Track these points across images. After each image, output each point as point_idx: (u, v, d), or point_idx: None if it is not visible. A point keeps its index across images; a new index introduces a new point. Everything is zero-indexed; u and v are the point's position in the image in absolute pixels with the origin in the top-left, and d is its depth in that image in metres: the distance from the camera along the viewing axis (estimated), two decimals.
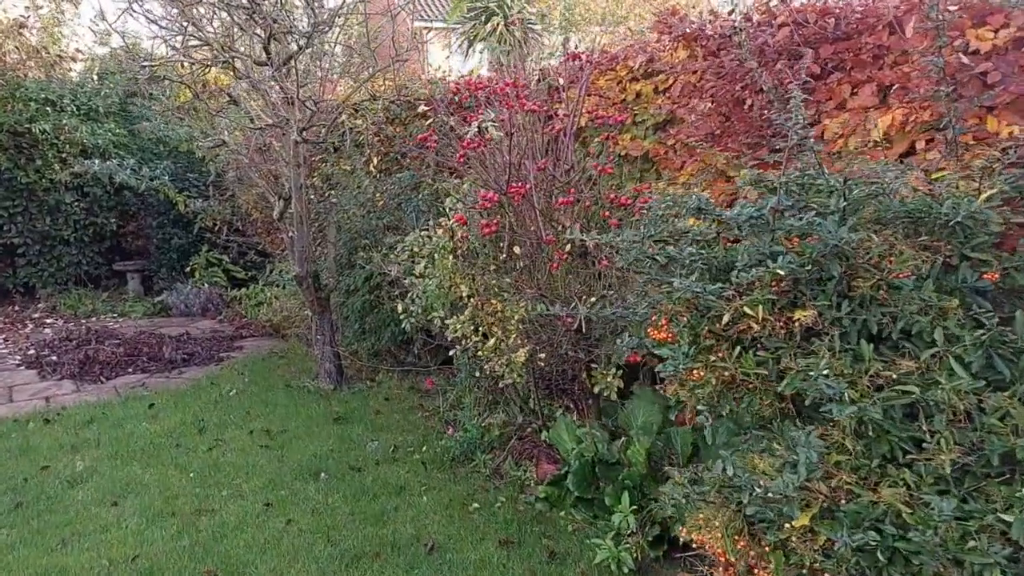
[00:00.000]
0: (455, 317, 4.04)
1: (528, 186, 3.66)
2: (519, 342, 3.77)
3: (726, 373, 1.94)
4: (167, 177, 9.29)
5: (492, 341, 3.84)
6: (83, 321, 9.05)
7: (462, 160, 3.95)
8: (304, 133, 5.07)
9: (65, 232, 10.10)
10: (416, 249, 4.38)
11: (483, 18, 14.27)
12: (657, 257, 2.12)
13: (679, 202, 2.38)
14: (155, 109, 10.34)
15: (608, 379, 3.68)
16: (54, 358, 7.18)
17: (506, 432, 4.83)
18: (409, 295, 4.38)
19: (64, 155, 9.84)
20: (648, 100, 4.55)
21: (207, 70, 5.93)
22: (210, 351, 7.48)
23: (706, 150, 4.03)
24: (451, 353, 4.75)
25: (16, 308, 9.69)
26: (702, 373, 1.98)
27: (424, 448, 4.78)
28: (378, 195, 6.19)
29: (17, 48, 8.99)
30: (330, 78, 5.94)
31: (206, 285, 9.41)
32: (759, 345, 1.95)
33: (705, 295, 1.89)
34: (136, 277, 10.42)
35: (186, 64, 5.91)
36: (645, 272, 2.23)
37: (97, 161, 9.30)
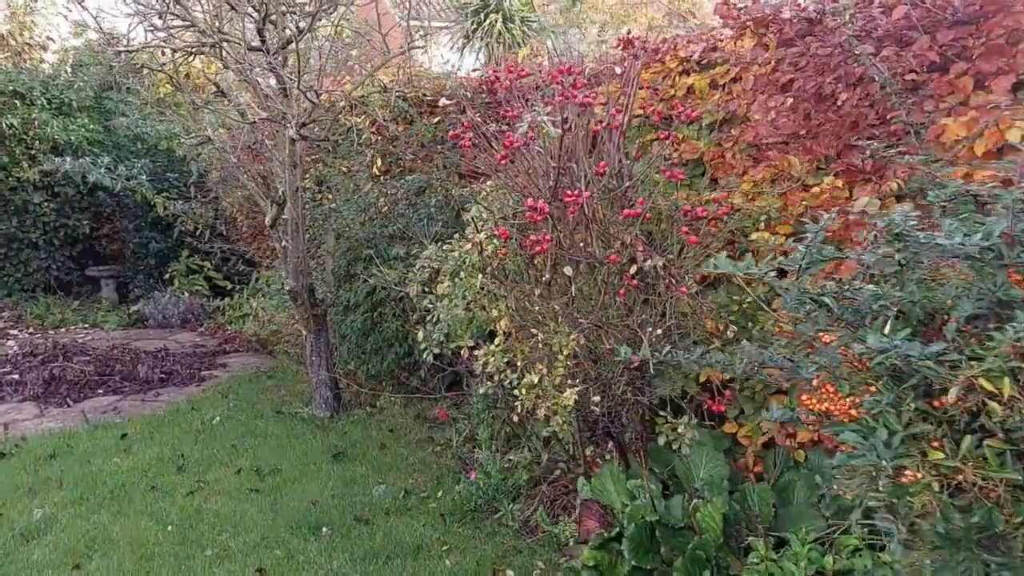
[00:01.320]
0: (486, 347, 3.41)
1: (585, 194, 3.04)
2: (567, 381, 3.15)
3: (955, 475, 1.35)
4: (145, 177, 8.58)
5: (533, 377, 3.22)
6: (51, 332, 8.33)
7: (504, 161, 3.32)
8: (303, 129, 4.42)
9: (33, 235, 9.36)
10: (436, 266, 3.74)
11: (481, 15, 13.67)
12: (825, 300, 1.52)
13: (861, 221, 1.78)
14: (133, 103, 9.63)
15: (679, 429, 3.07)
16: (16, 376, 6.47)
17: (533, 475, 4.21)
18: (429, 318, 3.74)
19: (33, 152, 9.11)
20: (703, 95, 3.95)
21: (191, 59, 5.27)
22: (191, 369, 6.80)
23: (781, 153, 3.44)
24: (484, 387, 4.12)
25: None
26: (917, 474, 1.38)
27: (440, 493, 4.14)
28: (382, 200, 5.55)
29: None
30: (329, 71, 5.29)
31: (186, 294, 8.71)
32: (1000, 433, 1.36)
33: (920, 359, 1.30)
34: (110, 284, 9.69)
35: (167, 52, 5.24)
36: (802, 319, 1.63)
37: (69, 159, 8.58)
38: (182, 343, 7.81)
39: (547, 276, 3.20)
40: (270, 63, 4.25)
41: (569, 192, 3.04)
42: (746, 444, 3.62)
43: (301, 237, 5.15)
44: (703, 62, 4.03)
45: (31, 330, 8.39)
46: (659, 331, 2.99)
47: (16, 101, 9.04)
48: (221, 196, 8.49)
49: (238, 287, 8.78)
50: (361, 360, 5.70)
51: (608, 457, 3.81)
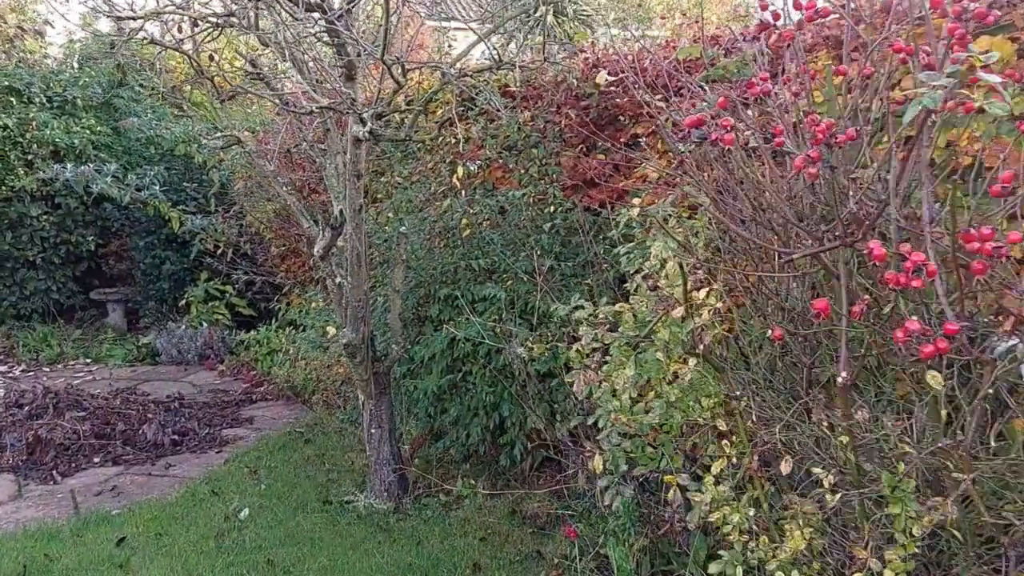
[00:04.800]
0: (711, 488, 2.05)
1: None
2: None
3: None
4: (158, 187, 7.29)
5: (798, 543, 1.86)
6: (45, 370, 7.05)
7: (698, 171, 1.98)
8: (380, 121, 3.09)
9: (30, 252, 8.09)
10: (595, 333, 2.40)
11: (531, 9, 12.36)
12: None
13: None
14: (145, 101, 8.38)
15: None
16: None
17: None
18: (596, 420, 2.39)
19: (30, 157, 7.86)
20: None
21: (216, 33, 3.95)
22: (210, 424, 5.49)
23: None
24: (609, 485, 2.77)
25: None
26: None
27: None
28: (464, 221, 4.21)
29: None
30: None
31: (205, 324, 7.40)
32: None
33: None
34: (118, 309, 8.42)
35: (186, 27, 3.94)
36: None
37: (70, 165, 7.31)
38: (199, 386, 6.50)
39: (845, 374, 1.83)
40: (330, 24, 2.92)
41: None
42: None
43: (363, 273, 3.82)
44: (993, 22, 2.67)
45: (23, 367, 7.12)
46: None
47: (11, 99, 7.81)
48: (247, 210, 7.21)
49: (265, 317, 7.47)
50: (435, 434, 4.36)
51: None
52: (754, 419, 2.05)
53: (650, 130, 4.27)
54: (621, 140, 4.35)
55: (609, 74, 2.98)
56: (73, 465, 4.80)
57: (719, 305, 2.12)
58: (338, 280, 3.97)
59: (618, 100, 4.37)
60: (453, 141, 4.36)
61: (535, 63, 3.51)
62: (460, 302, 4.01)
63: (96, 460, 4.89)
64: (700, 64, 3.84)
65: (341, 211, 3.72)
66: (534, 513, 3.97)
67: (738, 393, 2.10)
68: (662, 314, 2.17)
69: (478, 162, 4.80)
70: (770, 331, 2.15)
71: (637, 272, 2.61)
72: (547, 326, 3.77)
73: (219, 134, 4.47)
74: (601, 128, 4.47)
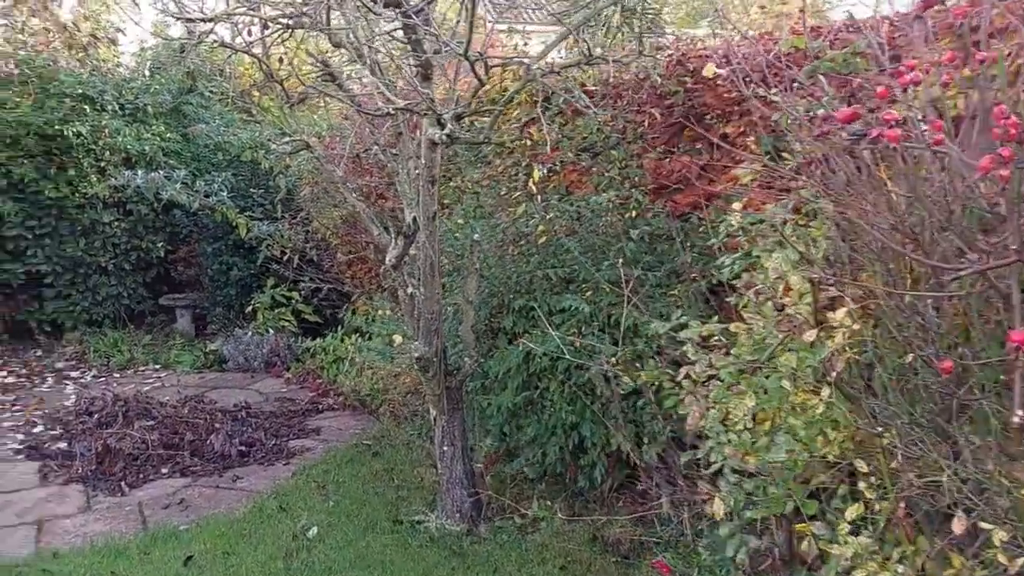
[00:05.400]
0: (855, 540, 1.78)
1: None
2: None
3: None
4: (226, 193, 7.27)
5: None
6: (115, 376, 7.08)
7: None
8: (458, 124, 2.89)
9: (102, 258, 8.15)
10: (710, 358, 2.13)
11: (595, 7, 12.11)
12: None
13: None
14: (214, 107, 8.38)
15: None
16: (64, 445, 5.16)
17: None
18: (707, 455, 2.14)
19: (103, 164, 7.91)
20: None
21: (287, 34, 3.82)
22: (277, 435, 5.38)
23: None
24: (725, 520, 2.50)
25: (38, 353, 7.77)
26: None
27: None
28: (540, 227, 3.99)
29: (47, 29, 7.08)
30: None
31: (271, 331, 7.34)
32: None
33: None
34: (186, 314, 8.44)
35: (255, 29, 3.82)
36: None
37: (141, 172, 7.36)
38: (266, 395, 6.42)
39: (1022, 413, 1.54)
40: (408, 20, 2.72)
41: None
42: None
43: (436, 283, 3.63)
44: None
45: (94, 372, 7.16)
46: None
47: (85, 106, 7.87)
48: (313, 216, 7.12)
49: (331, 324, 7.37)
50: (509, 452, 4.15)
51: None
52: (900, 458, 1.77)
53: (740, 129, 3.99)
54: (709, 140, 4.07)
55: (717, 66, 2.70)
56: (141, 476, 4.73)
57: (855, 327, 1.85)
58: (410, 290, 3.79)
59: (705, 98, 4.10)
60: (529, 143, 4.14)
61: (628, 57, 3.25)
62: (536, 314, 3.79)
63: (164, 471, 4.82)
64: (799, 57, 3.55)
65: (414, 218, 3.54)
66: (616, 540, 3.72)
67: (879, 429, 1.82)
68: (786, 336, 1.91)
69: (549, 164, 4.58)
70: (908, 357, 1.87)
71: (746, 286, 2.34)
72: (633, 341, 3.53)
73: (287, 139, 4.35)
74: (685, 128, 4.21)
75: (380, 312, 6.40)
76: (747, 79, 3.18)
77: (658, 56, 3.99)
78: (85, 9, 7.64)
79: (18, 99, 7.75)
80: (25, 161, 7.73)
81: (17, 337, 8.00)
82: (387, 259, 3.66)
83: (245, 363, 7.22)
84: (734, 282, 2.71)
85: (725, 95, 4.00)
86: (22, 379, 6.94)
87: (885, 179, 2.10)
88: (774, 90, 2.43)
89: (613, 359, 3.35)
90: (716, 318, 2.24)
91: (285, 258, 7.28)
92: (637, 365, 3.48)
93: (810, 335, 1.85)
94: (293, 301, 7.50)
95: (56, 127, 7.69)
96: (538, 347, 3.58)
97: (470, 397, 4.26)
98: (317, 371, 6.81)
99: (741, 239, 2.76)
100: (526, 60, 2.90)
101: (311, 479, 4.61)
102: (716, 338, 2.18)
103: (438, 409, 3.89)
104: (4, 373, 7.08)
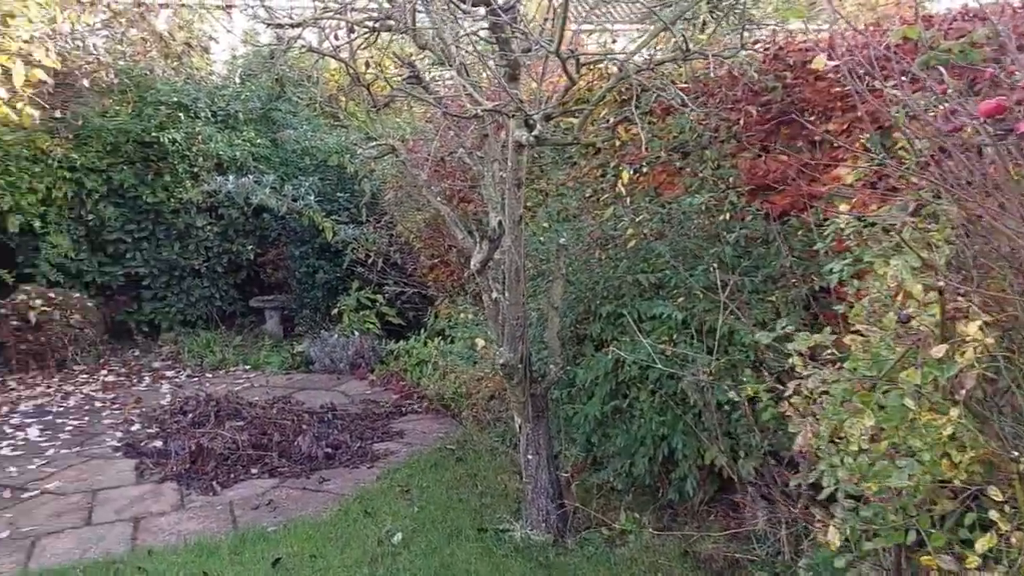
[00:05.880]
0: None
1: None
2: None
3: None
4: (313, 197, 7.39)
5: None
6: (208, 375, 7.28)
7: None
8: (546, 124, 2.80)
9: (196, 261, 8.43)
10: (823, 373, 1.98)
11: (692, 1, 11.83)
12: None
13: None
14: (301, 113, 8.54)
15: None
16: (159, 444, 5.30)
17: None
18: (821, 480, 1.98)
19: (196, 169, 8.17)
20: None
21: (373, 38, 3.81)
22: (361, 437, 5.41)
23: None
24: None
25: (136, 353, 8.07)
26: None
27: None
28: (629, 231, 3.86)
29: (144, 39, 7.35)
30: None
31: (356, 333, 7.41)
32: None
33: None
34: (275, 316, 8.62)
35: (341, 33, 3.83)
36: None
37: (232, 177, 7.56)
38: (351, 396, 6.48)
39: None
40: (496, 19, 2.65)
41: None
42: None
43: (522, 288, 3.55)
44: None
45: (188, 372, 7.38)
46: None
47: (180, 114, 8.15)
48: (397, 220, 7.17)
49: (414, 326, 7.40)
50: (595, 462, 4.04)
51: None
52: None
53: (844, 126, 3.77)
54: (809, 138, 3.87)
55: (829, 59, 2.53)
56: (232, 476, 4.82)
57: (988, 341, 1.68)
58: (494, 295, 3.73)
59: (805, 93, 3.89)
60: (618, 144, 4.02)
61: (727, 51, 3.09)
62: (624, 320, 3.67)
63: (253, 471, 4.89)
64: (909, 49, 3.31)
65: (499, 222, 3.47)
66: (709, 556, 3.56)
67: (1016, 453, 1.64)
68: (907, 350, 1.74)
69: (636, 165, 4.44)
70: None
71: (858, 294, 2.17)
72: (727, 350, 3.37)
73: (373, 144, 4.35)
74: (783, 125, 4.01)
75: (462, 315, 6.38)
76: (855, 73, 2.99)
77: (755, 50, 3.81)
78: (180, 19, 7.88)
79: (118, 107, 8.08)
80: (125, 167, 8.06)
81: (117, 337, 8.34)
82: (471, 264, 3.60)
83: (331, 364, 7.32)
84: (844, 289, 2.54)
85: (827, 90, 3.80)
86: (121, 378, 7.21)
87: (1018, 177, 1.91)
88: (889, 83, 2.24)
89: (707, 368, 3.20)
90: (828, 329, 2.08)
91: (369, 261, 7.36)
92: (732, 375, 3.33)
93: (939, 350, 1.68)
94: (377, 304, 7.56)
95: (153, 134, 8.00)
96: (628, 355, 3.45)
97: (555, 405, 4.16)
98: (400, 373, 6.83)
99: (850, 242, 2.58)
100: (619, 57, 2.79)
101: (395, 483, 4.60)
102: (829, 351, 2.02)
103: (523, 417, 3.81)
104: (105, 371, 7.38)
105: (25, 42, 5.29)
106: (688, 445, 3.54)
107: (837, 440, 2.05)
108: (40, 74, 5.50)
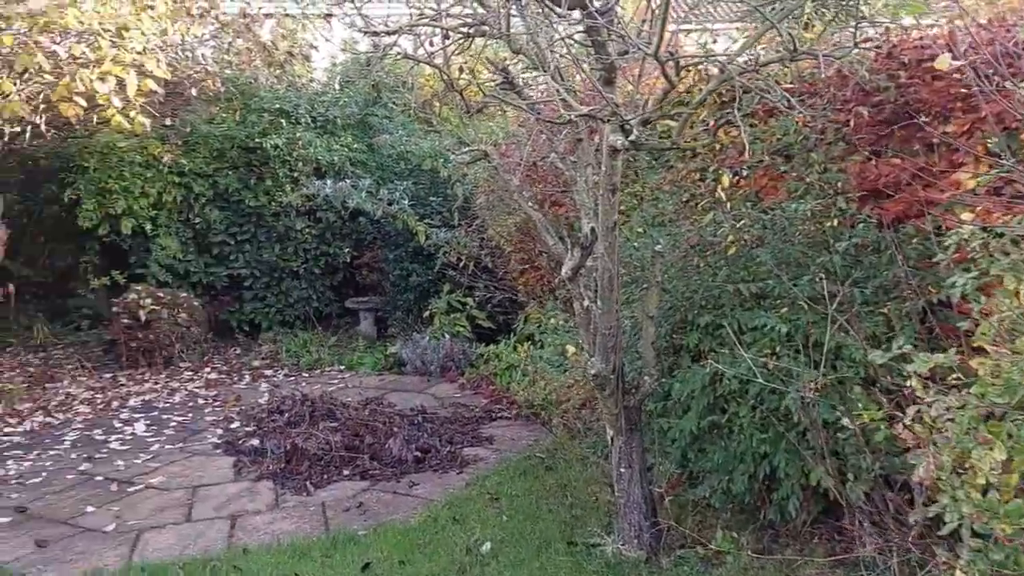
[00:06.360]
0: None
1: None
2: None
3: None
4: (407, 201, 7.48)
5: None
6: (304, 375, 7.46)
7: None
8: (643, 129, 2.70)
9: (294, 263, 8.68)
10: (947, 400, 1.81)
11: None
12: None
13: None
14: (396, 118, 8.67)
15: None
16: (256, 442, 5.44)
17: None
18: (944, 515, 1.82)
19: (296, 174, 8.41)
20: None
21: (467, 44, 3.79)
22: (451, 442, 5.40)
23: None
24: None
25: (237, 351, 8.35)
26: None
27: None
28: (730, 237, 3.71)
29: (249, 49, 7.61)
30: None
31: (446, 336, 7.45)
32: None
33: None
34: (369, 317, 8.78)
35: (435, 40, 3.83)
36: None
37: (330, 182, 7.74)
38: (441, 399, 6.51)
39: None
40: (592, 22, 2.56)
41: None
42: None
43: (615, 296, 3.45)
44: None
45: (285, 371, 7.58)
46: None
47: (282, 120, 8.41)
48: (487, 224, 7.16)
49: (504, 330, 7.38)
50: (691, 478, 3.89)
51: None
52: None
53: (965, 127, 3.51)
54: (925, 140, 3.63)
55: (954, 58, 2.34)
56: (324, 477, 4.89)
57: None
58: (586, 303, 3.64)
59: (921, 93, 3.65)
60: (717, 147, 3.87)
61: (838, 50, 2.92)
62: (723, 332, 3.52)
63: (345, 473, 4.95)
64: None
65: (592, 229, 3.38)
66: None
67: None
68: None
69: (736, 168, 4.27)
70: None
71: (984, 311, 1.99)
72: (835, 365, 3.18)
73: (466, 148, 4.33)
74: (895, 127, 3.77)
75: (552, 320, 6.31)
76: (981, 71, 2.77)
77: (866, 48, 3.59)
78: (283, 29, 8.13)
79: (224, 115, 8.39)
80: (229, 172, 8.37)
81: (220, 336, 8.66)
82: (563, 271, 3.52)
83: (422, 367, 7.37)
84: (968, 305, 2.34)
85: (946, 89, 3.55)
86: (223, 375, 7.47)
87: None
88: (1019, 82, 2.04)
89: (813, 384, 3.02)
90: (952, 350, 1.90)
91: (461, 264, 7.39)
92: (840, 392, 3.14)
93: None
94: (468, 307, 7.58)
95: (256, 140, 8.28)
96: (727, 368, 3.30)
97: (649, 417, 4.03)
98: (490, 378, 6.82)
99: (975, 254, 2.38)
100: (721, 58, 2.67)
101: (484, 490, 4.56)
102: (955, 376, 1.85)
103: (615, 429, 3.70)
104: (208, 369, 7.66)
105: (138, 53, 5.53)
106: (791, 464, 3.36)
107: (961, 471, 1.87)
108: (152, 84, 5.74)
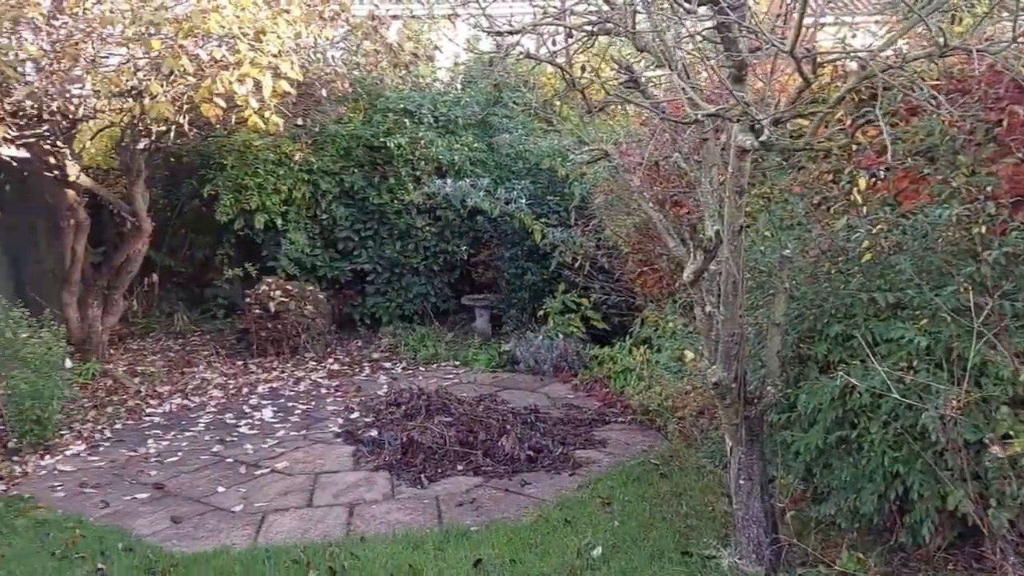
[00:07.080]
0: None
1: None
2: None
3: None
4: (524, 200, 7.52)
5: None
6: (421, 369, 7.62)
7: None
8: (778, 126, 2.59)
9: (414, 260, 8.90)
10: None
11: None
12: None
13: None
14: (516, 118, 8.72)
15: None
16: (374, 433, 5.60)
17: None
18: None
19: (418, 173, 8.61)
20: None
21: (590, 43, 3.75)
22: (563, 443, 5.38)
23: None
24: None
25: (358, 344, 8.64)
26: None
27: None
28: (865, 243, 3.50)
29: (376, 50, 7.84)
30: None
31: (560, 336, 7.43)
32: None
33: None
34: (484, 314, 8.88)
35: (558, 39, 3.81)
36: None
37: (450, 181, 7.89)
38: (554, 399, 6.50)
39: None
40: (723, 17, 2.48)
41: None
42: None
43: (739, 303, 3.33)
44: None
45: (403, 365, 7.77)
46: None
47: (405, 120, 8.63)
48: (605, 224, 7.08)
49: (618, 331, 7.29)
50: (815, 493, 3.71)
51: None
52: None
53: None
54: None
55: None
56: (439, 471, 4.97)
57: None
58: (708, 309, 3.53)
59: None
60: (854, 148, 3.67)
61: (994, 45, 2.70)
62: (855, 342, 3.33)
63: (459, 468, 5.02)
64: None
65: (717, 232, 3.27)
66: None
67: None
68: None
69: (872, 170, 4.03)
70: None
71: None
72: (979, 383, 2.95)
73: (586, 148, 4.29)
74: None
75: (670, 324, 6.18)
76: None
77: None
78: (408, 30, 8.34)
79: (351, 115, 8.69)
80: (355, 171, 8.67)
81: (343, 328, 8.99)
82: (684, 275, 3.43)
83: (535, 365, 7.39)
84: None
85: None
86: (345, 367, 7.73)
87: None
88: None
89: (955, 401, 2.81)
90: None
91: (576, 264, 7.35)
92: (984, 411, 2.91)
93: None
94: (582, 307, 7.53)
95: (381, 139, 8.53)
96: (859, 381, 3.12)
97: (771, 429, 3.88)
98: (604, 380, 6.75)
99: None
100: (862, 53, 2.52)
101: (596, 494, 4.52)
102: None
103: (734, 439, 3.57)
104: (331, 360, 7.95)
105: (274, 56, 5.79)
106: (926, 485, 3.14)
107: None
108: (285, 85, 6.00)
